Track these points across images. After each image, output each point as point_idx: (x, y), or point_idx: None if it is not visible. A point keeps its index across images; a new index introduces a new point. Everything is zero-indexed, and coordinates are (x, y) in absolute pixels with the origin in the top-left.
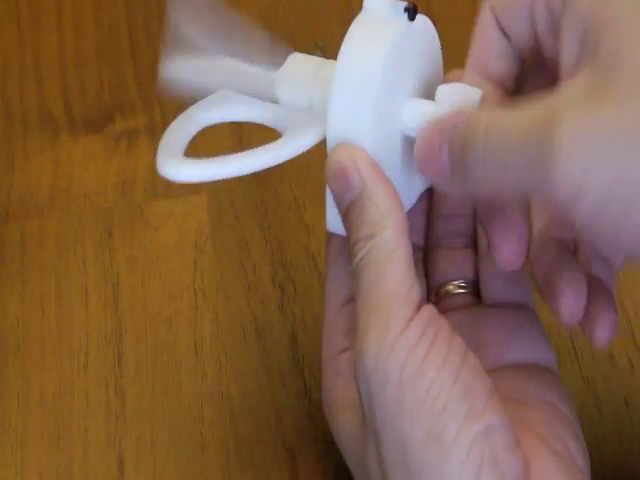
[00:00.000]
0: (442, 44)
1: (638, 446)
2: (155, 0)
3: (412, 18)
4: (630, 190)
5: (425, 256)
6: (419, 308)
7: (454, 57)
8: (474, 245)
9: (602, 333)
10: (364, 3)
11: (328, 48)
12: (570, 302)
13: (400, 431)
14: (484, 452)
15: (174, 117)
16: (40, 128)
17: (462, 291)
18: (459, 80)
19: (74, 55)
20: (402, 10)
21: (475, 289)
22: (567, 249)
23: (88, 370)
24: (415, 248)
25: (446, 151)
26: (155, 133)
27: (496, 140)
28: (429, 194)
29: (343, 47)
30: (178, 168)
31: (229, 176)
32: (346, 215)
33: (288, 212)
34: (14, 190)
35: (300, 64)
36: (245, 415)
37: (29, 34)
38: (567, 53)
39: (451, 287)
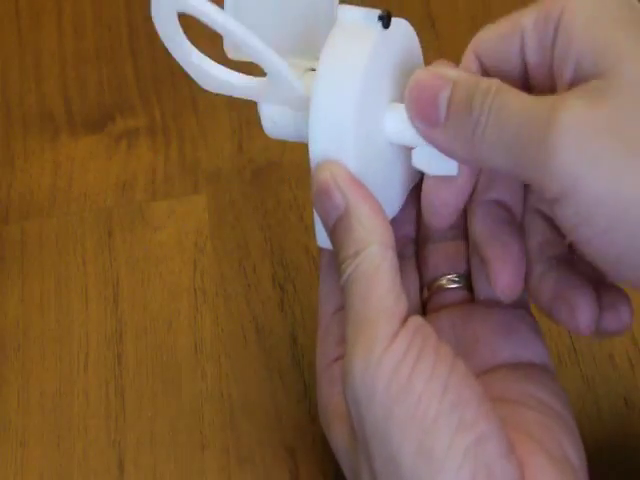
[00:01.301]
0: (441, 44)
1: (638, 445)
2: None
3: (386, 26)
4: (620, 205)
5: (417, 249)
6: (405, 320)
7: (453, 56)
8: (465, 237)
9: (624, 315)
10: (337, 14)
11: None
12: (587, 316)
13: (391, 446)
14: (477, 463)
15: (174, 117)
16: (40, 128)
17: (455, 285)
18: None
19: (74, 55)
20: (376, 18)
21: (468, 283)
22: (568, 265)
23: (88, 370)
24: (408, 240)
25: (444, 98)
26: (155, 133)
27: (504, 104)
28: (420, 186)
29: (321, 62)
30: None
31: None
32: (332, 233)
33: (288, 212)
34: (14, 190)
35: None
36: (245, 415)
37: (29, 34)
38: (562, 78)
39: (444, 281)
